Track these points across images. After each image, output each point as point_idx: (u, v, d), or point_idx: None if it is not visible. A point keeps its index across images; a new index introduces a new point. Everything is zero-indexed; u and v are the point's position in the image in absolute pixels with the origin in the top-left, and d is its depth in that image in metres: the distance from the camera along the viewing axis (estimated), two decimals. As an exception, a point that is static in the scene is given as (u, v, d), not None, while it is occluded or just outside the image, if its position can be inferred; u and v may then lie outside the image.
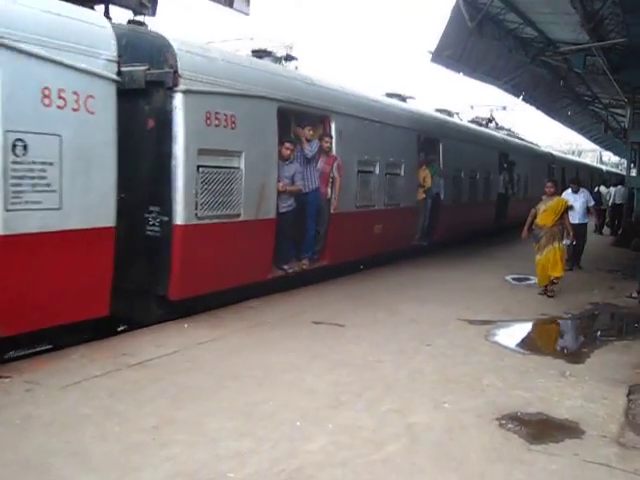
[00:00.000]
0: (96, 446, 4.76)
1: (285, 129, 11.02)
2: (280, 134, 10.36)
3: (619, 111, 29.62)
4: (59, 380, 6.09)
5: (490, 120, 25.16)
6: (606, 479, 4.63)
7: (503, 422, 5.57)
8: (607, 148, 57.11)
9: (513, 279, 13.19)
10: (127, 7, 9.03)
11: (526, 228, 12.14)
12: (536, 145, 30.77)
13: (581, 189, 15.44)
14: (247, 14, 12.52)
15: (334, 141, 11.81)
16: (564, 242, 11.77)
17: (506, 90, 24.83)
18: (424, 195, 15.70)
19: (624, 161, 58.32)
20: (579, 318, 10.18)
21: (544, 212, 11.82)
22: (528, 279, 13.04)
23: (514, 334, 9.25)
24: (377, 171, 13.51)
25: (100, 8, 8.62)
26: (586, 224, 15.27)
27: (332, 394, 6.08)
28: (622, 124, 31.89)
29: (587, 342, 8.90)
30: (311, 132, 11.24)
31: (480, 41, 18.34)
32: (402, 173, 14.59)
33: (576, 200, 14.77)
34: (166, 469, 4.46)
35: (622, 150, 38.66)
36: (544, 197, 12.11)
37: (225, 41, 12.30)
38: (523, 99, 26.63)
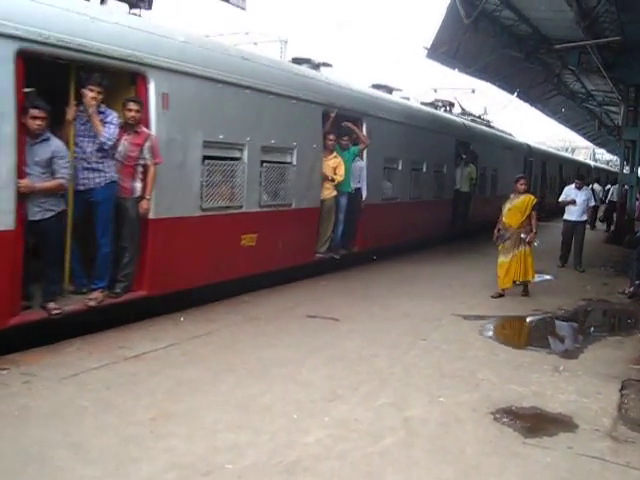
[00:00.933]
0: (94, 438, 4.79)
1: (56, 89, 7.46)
2: (33, 95, 7.02)
3: (613, 108, 29.73)
4: (56, 372, 6.11)
5: (452, 104, 21.49)
6: (599, 472, 4.68)
7: (498, 416, 5.63)
8: (601, 145, 57.29)
9: (507, 275, 13.22)
10: (123, 0, 8.99)
11: (496, 230, 11.25)
12: (510, 135, 27.05)
13: (584, 187, 15.32)
14: (244, 9, 12.57)
15: (152, 111, 8.08)
16: (522, 235, 10.90)
17: (500, 87, 24.86)
18: (334, 192, 11.99)
19: (614, 158, 58.71)
20: (572, 314, 10.23)
21: (509, 211, 11.03)
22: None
23: (508, 329, 9.33)
24: (245, 159, 9.64)
25: (96, 0, 8.58)
26: (584, 222, 15.08)
27: (328, 388, 6.12)
28: (616, 122, 31.99)
29: (580, 338, 8.96)
30: (93, 94, 7.32)
31: (475, 38, 18.36)
32: (294, 162, 10.90)
33: (577, 196, 14.73)
34: (164, 461, 4.49)
35: (616, 148, 38.74)
36: (512, 195, 11.26)
37: (221, 35, 12.33)
38: (517, 96, 26.67)
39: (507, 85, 24.88)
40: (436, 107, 19.85)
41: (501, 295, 10.84)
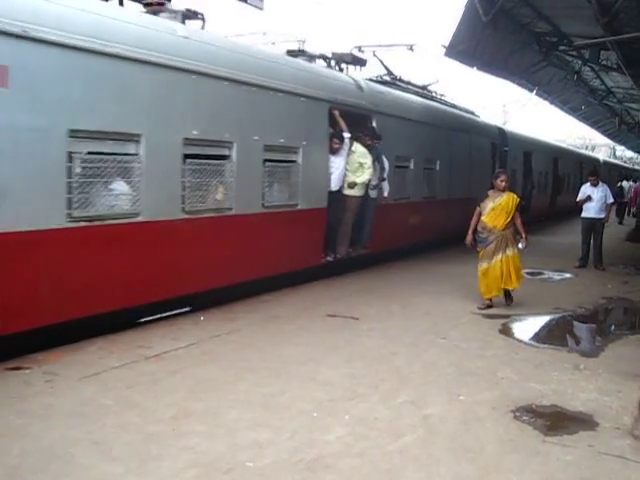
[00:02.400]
0: (116, 436, 4.84)
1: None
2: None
3: (633, 105, 29.47)
4: (78, 371, 6.17)
5: (361, 61, 14.18)
6: (620, 470, 4.65)
7: (518, 414, 5.61)
8: (621, 143, 56.73)
9: (527, 273, 13.09)
10: (139, 1, 9.01)
11: (471, 232, 9.98)
12: (469, 113, 20.21)
13: (600, 183, 15.21)
14: (261, 9, 12.55)
15: None
16: (520, 246, 9.91)
17: (520, 84, 24.71)
18: None
19: (635, 156, 58.30)
20: (593, 312, 10.17)
21: (492, 211, 9.73)
22: (541, 273, 13.06)
23: (528, 327, 9.27)
24: None
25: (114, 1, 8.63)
26: (602, 219, 14.87)
27: (348, 386, 6.14)
28: (636, 119, 31.73)
29: (601, 336, 8.90)
30: None
31: (494, 36, 18.24)
32: None
33: (594, 193, 14.66)
34: (185, 459, 4.53)
35: (636, 145, 38.41)
36: (490, 192, 9.93)
37: (239, 35, 12.32)
38: (537, 93, 26.49)
39: (526, 83, 24.73)
40: (325, 59, 13.05)
41: (489, 306, 9.77)
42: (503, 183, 9.82)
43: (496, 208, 9.73)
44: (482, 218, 9.80)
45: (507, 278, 9.70)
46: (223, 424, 5.14)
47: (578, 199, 15.10)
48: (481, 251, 9.84)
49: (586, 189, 14.92)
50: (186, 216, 8.51)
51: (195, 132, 8.58)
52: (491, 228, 9.72)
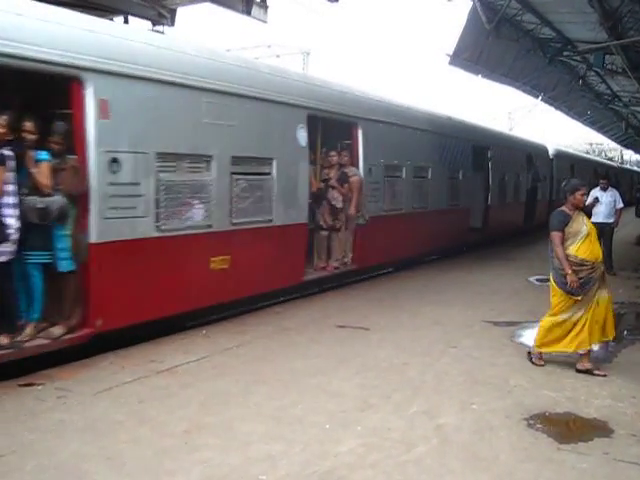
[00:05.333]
0: (129, 451, 4.84)
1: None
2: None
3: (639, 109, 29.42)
4: (90, 387, 6.18)
5: None
6: (638, 477, 4.63)
7: (531, 422, 5.59)
8: (628, 147, 56.71)
9: (537, 280, 13.09)
10: (146, 18, 9.11)
11: (571, 270, 6.94)
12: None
13: (610, 187, 15.11)
14: (265, 22, 12.63)
15: None
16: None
17: (525, 91, 24.72)
18: None
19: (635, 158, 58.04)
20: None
21: (587, 238, 7.07)
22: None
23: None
24: None
25: (119, 19, 8.74)
26: (611, 224, 14.74)
27: (359, 397, 6.12)
28: (643, 122, 31.66)
29: (613, 342, 8.83)
30: None
31: (498, 43, 18.28)
32: None
33: (603, 197, 14.59)
34: (199, 472, 4.52)
35: (643, 148, 38.38)
36: (567, 209, 7.29)
37: (244, 48, 12.39)
38: (542, 99, 26.46)
39: (532, 89, 24.74)
40: None
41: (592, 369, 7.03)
42: (578, 196, 7.28)
43: (591, 235, 7.15)
44: (572, 251, 7.07)
45: (607, 325, 7.31)
46: (236, 437, 5.14)
47: (587, 203, 15.03)
48: (575, 297, 7.08)
49: (595, 193, 14.86)
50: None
51: None
52: (593, 263, 7.09)
